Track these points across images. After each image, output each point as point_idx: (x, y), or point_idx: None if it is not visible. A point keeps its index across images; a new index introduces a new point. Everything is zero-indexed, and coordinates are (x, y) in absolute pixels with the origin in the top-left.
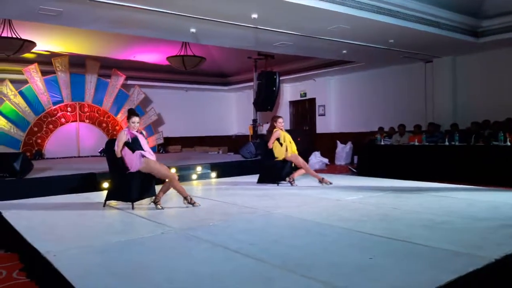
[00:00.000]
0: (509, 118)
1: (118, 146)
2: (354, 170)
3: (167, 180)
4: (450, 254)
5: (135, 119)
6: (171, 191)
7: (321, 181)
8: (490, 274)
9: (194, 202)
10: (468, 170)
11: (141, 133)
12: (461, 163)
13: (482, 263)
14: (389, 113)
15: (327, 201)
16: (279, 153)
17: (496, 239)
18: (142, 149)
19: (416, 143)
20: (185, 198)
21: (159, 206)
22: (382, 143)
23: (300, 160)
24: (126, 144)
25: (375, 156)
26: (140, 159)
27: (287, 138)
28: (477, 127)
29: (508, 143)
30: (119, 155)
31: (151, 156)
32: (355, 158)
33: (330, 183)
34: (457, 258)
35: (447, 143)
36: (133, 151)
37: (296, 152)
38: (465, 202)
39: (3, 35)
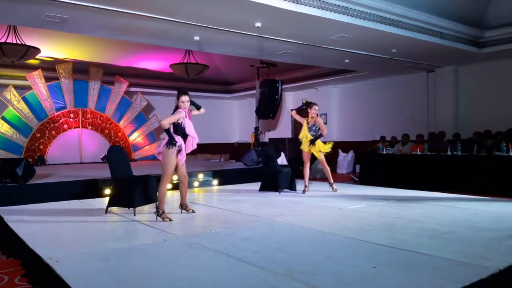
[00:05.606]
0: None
1: (168, 121)
2: (356, 179)
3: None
4: (454, 264)
5: (185, 98)
6: (172, 198)
7: (305, 188)
8: (495, 284)
9: (164, 217)
10: (471, 180)
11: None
12: (464, 173)
13: (487, 273)
14: (391, 122)
15: (330, 209)
16: (303, 144)
17: (500, 249)
18: (184, 136)
19: (418, 153)
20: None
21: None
22: (384, 152)
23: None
24: (176, 125)
25: (377, 165)
26: (164, 145)
27: (304, 134)
28: (479, 137)
29: (511, 153)
30: (166, 127)
31: (192, 144)
32: (357, 167)
33: (303, 193)
34: (461, 268)
35: (449, 153)
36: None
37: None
38: (468, 212)
39: (8, 41)
